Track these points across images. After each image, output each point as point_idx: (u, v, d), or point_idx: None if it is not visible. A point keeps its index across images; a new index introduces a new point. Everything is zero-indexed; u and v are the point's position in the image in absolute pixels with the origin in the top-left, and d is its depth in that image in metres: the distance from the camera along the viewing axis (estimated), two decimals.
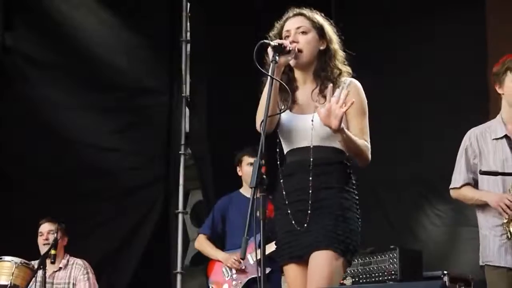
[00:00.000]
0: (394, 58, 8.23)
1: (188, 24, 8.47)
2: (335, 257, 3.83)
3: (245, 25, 7.97)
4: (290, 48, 3.90)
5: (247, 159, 6.42)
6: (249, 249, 6.15)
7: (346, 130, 3.79)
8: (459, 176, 5.34)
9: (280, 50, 3.84)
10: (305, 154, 3.96)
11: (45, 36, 7.62)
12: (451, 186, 5.41)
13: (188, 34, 8.43)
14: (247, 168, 6.40)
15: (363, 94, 4.04)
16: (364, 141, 3.93)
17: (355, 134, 3.92)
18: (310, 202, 3.88)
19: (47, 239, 6.52)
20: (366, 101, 4.05)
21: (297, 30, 4.02)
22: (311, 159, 3.93)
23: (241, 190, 6.53)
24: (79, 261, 6.73)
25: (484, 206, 5.19)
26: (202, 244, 6.53)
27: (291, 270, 4.02)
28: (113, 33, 8.10)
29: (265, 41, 3.79)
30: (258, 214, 6.14)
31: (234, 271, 6.23)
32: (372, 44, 8.00)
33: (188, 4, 8.45)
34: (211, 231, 6.49)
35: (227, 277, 6.24)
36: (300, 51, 3.96)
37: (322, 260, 3.82)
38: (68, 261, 6.71)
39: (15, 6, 7.44)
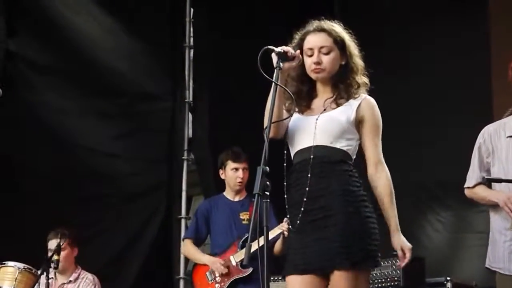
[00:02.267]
0: (393, 64, 8.22)
1: (191, 29, 8.49)
2: (353, 274, 3.81)
3: (248, 30, 7.98)
4: (294, 55, 3.91)
5: (231, 164, 6.42)
6: (230, 251, 6.20)
7: (401, 237, 4.05)
8: (472, 175, 5.24)
9: (284, 56, 3.85)
10: (307, 154, 3.97)
11: (48, 42, 7.62)
12: (465, 186, 5.32)
13: (191, 39, 8.45)
14: (231, 173, 6.42)
15: (377, 112, 4.07)
16: (389, 187, 4.17)
17: (370, 151, 4.04)
18: (305, 209, 3.89)
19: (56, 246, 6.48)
20: (380, 119, 4.08)
21: (320, 49, 4.04)
22: (312, 157, 3.93)
23: (225, 194, 6.54)
24: (89, 276, 6.67)
25: (496, 207, 5.08)
26: (188, 249, 6.54)
27: (293, 281, 3.97)
28: (115, 38, 8.10)
29: (269, 47, 3.80)
30: (243, 217, 6.28)
31: (217, 274, 6.23)
32: (372, 48, 7.98)
33: (192, 10, 8.47)
34: (195, 235, 6.50)
35: (210, 280, 6.26)
36: (322, 70, 4.01)
37: (343, 284, 3.80)
38: (79, 274, 6.66)
39: (18, 12, 7.44)
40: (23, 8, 7.49)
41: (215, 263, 6.20)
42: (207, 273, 6.28)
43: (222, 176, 6.51)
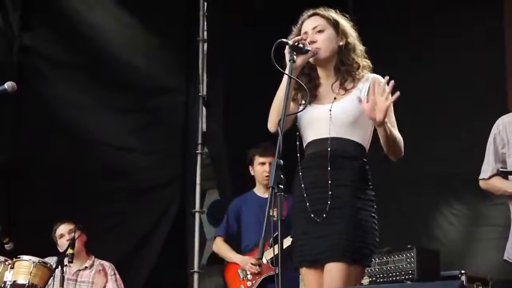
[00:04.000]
0: (408, 58, 8.21)
1: (205, 23, 8.48)
2: (349, 267, 3.82)
3: (262, 24, 7.97)
4: (308, 48, 3.91)
5: (258, 159, 6.44)
6: None
7: (387, 124, 3.78)
8: (487, 166, 5.23)
9: (297, 49, 3.85)
10: (323, 145, 3.96)
11: (63, 36, 7.64)
12: (480, 177, 5.30)
13: (205, 33, 8.44)
14: (258, 168, 6.43)
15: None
16: (399, 134, 3.94)
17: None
18: (328, 201, 3.89)
19: (69, 240, 6.53)
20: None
21: (313, 30, 4.04)
22: (329, 149, 3.92)
23: (255, 190, 6.56)
24: (106, 263, 6.76)
25: None
26: (220, 247, 6.58)
27: (305, 273, 4.05)
28: (130, 32, 8.11)
29: (283, 40, 3.80)
30: (272, 213, 6.25)
31: (248, 271, 6.26)
32: (385, 42, 7.98)
33: (205, 4, 8.47)
34: (226, 233, 6.55)
35: (242, 278, 6.30)
36: (318, 49, 3.98)
37: (337, 273, 3.82)
38: (93, 261, 6.74)
39: (32, 6, 7.47)
40: (37, 2, 7.52)
41: (246, 264, 6.24)
42: (239, 271, 6.33)
43: (252, 173, 6.53)
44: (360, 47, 4.13)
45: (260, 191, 6.49)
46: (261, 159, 6.40)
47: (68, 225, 6.56)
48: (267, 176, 6.33)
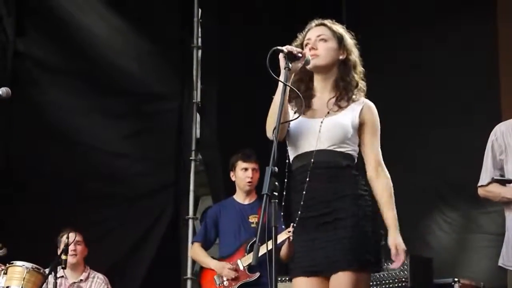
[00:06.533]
0: (402, 65, 8.23)
1: (200, 30, 8.49)
2: (357, 276, 3.81)
3: (257, 32, 7.98)
4: (301, 55, 3.90)
5: (240, 164, 6.37)
6: (238, 254, 6.19)
7: (399, 237, 3.96)
8: (485, 173, 5.23)
9: (291, 56, 3.85)
10: (311, 157, 3.94)
11: (56, 42, 7.64)
12: (478, 184, 5.30)
13: (199, 40, 8.45)
14: (240, 174, 6.37)
15: (377, 114, 4.06)
16: (390, 189, 4.03)
17: (370, 153, 4.01)
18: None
19: (74, 250, 6.53)
20: (379, 122, 4.06)
21: (317, 37, 4.05)
22: (313, 161, 3.90)
23: (235, 197, 6.50)
24: (100, 275, 6.74)
25: (510, 204, 5.09)
26: (196, 252, 6.54)
27: (300, 283, 3.98)
28: (124, 38, 8.12)
29: (277, 47, 3.79)
30: (252, 220, 6.27)
31: (225, 278, 6.24)
32: (382, 49, 7.99)
33: (200, 10, 8.48)
34: (204, 239, 6.48)
35: (218, 284, 6.25)
36: (316, 56, 3.98)
37: (345, 281, 3.80)
38: (89, 274, 6.72)
39: (26, 11, 7.46)
40: (32, 7, 7.51)
41: (223, 269, 6.20)
42: (215, 277, 6.28)
43: (233, 178, 6.46)
44: (360, 68, 4.13)
45: (240, 198, 6.44)
46: (244, 165, 6.35)
47: (74, 235, 6.48)
48: (248, 182, 6.34)
